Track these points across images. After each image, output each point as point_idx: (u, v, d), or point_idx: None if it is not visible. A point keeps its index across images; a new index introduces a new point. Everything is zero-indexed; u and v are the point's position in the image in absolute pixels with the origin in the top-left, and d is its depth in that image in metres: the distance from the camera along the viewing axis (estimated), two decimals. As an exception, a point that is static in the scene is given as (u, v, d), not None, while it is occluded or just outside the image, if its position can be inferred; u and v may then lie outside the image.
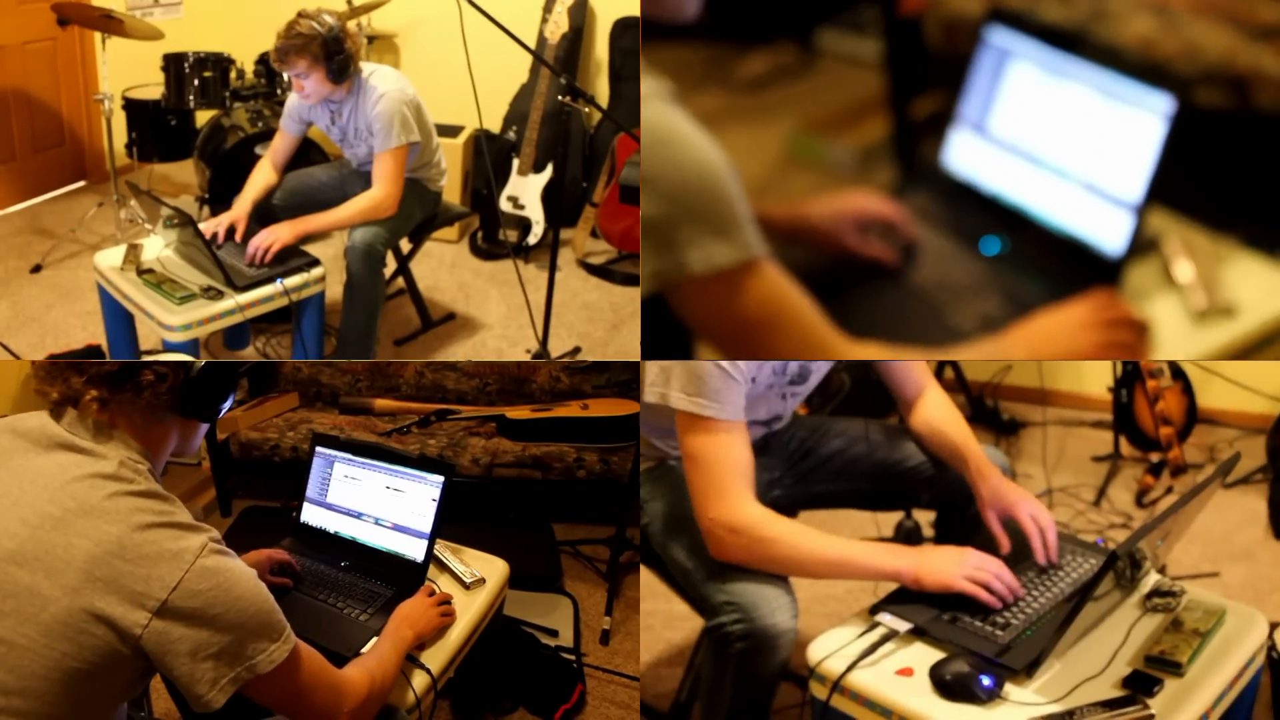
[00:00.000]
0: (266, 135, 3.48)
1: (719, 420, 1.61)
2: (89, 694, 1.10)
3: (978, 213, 1.89)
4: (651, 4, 1.39)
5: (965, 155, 1.95)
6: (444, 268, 3.86)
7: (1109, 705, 1.36)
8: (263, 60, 3.78)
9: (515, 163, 3.80)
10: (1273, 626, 1.66)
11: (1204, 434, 3.55)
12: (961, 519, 1.86)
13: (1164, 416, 3.17)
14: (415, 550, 1.77)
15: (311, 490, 1.92)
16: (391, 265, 3.07)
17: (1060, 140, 1.80)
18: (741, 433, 1.63)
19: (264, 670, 1.14)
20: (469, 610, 1.69)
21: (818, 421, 2.06)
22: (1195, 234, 1.81)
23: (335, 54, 2.60)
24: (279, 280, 2.57)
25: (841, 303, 1.53)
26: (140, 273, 2.56)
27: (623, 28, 3.96)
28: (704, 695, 1.73)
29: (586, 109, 3.90)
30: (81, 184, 4.39)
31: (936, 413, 1.90)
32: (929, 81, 2.18)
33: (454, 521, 1.79)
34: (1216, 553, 2.82)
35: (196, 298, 2.47)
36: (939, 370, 3.68)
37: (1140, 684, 1.42)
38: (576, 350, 3.27)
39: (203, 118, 3.84)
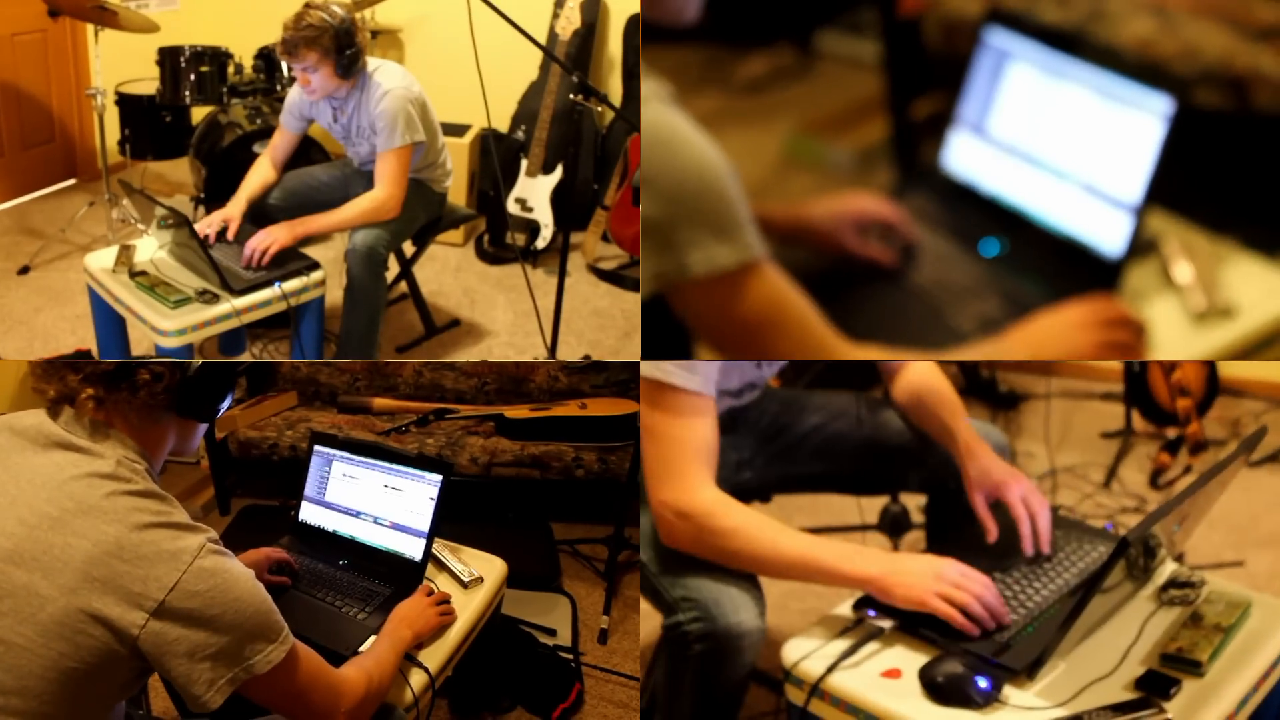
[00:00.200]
0: (265, 133, 3.44)
1: (685, 393, 1.49)
2: (86, 693, 1.10)
3: (977, 214, 1.89)
4: (652, 6, 1.39)
5: (964, 156, 1.95)
6: (448, 272, 3.80)
7: (1120, 709, 1.26)
8: (262, 55, 3.73)
9: (524, 163, 3.73)
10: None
11: (1226, 406, 3.25)
12: (955, 504, 1.73)
13: (1181, 387, 2.85)
14: (413, 549, 1.77)
15: (310, 489, 1.92)
16: (394, 269, 3.03)
17: (1059, 141, 1.80)
18: (709, 411, 1.52)
19: (261, 671, 1.14)
20: (467, 609, 1.69)
21: (793, 395, 1.93)
22: (1194, 235, 1.81)
23: (346, 48, 2.55)
24: (277, 284, 2.53)
25: (841, 304, 1.53)
26: (133, 275, 2.50)
27: (637, 24, 3.86)
28: (663, 703, 1.60)
29: (599, 108, 3.82)
30: (72, 182, 4.32)
31: (922, 382, 1.77)
32: (928, 83, 2.18)
33: (452, 520, 1.79)
34: (1241, 539, 2.62)
35: (191, 301, 2.42)
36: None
37: (1155, 685, 1.32)
38: (586, 359, 3.25)
39: (199, 114, 3.78)
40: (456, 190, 3.25)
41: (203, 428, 1.31)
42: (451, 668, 1.61)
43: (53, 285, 3.44)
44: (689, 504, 1.49)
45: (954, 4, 2.25)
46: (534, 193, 3.74)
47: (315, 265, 2.64)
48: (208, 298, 2.44)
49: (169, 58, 3.61)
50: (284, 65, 3.66)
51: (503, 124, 3.94)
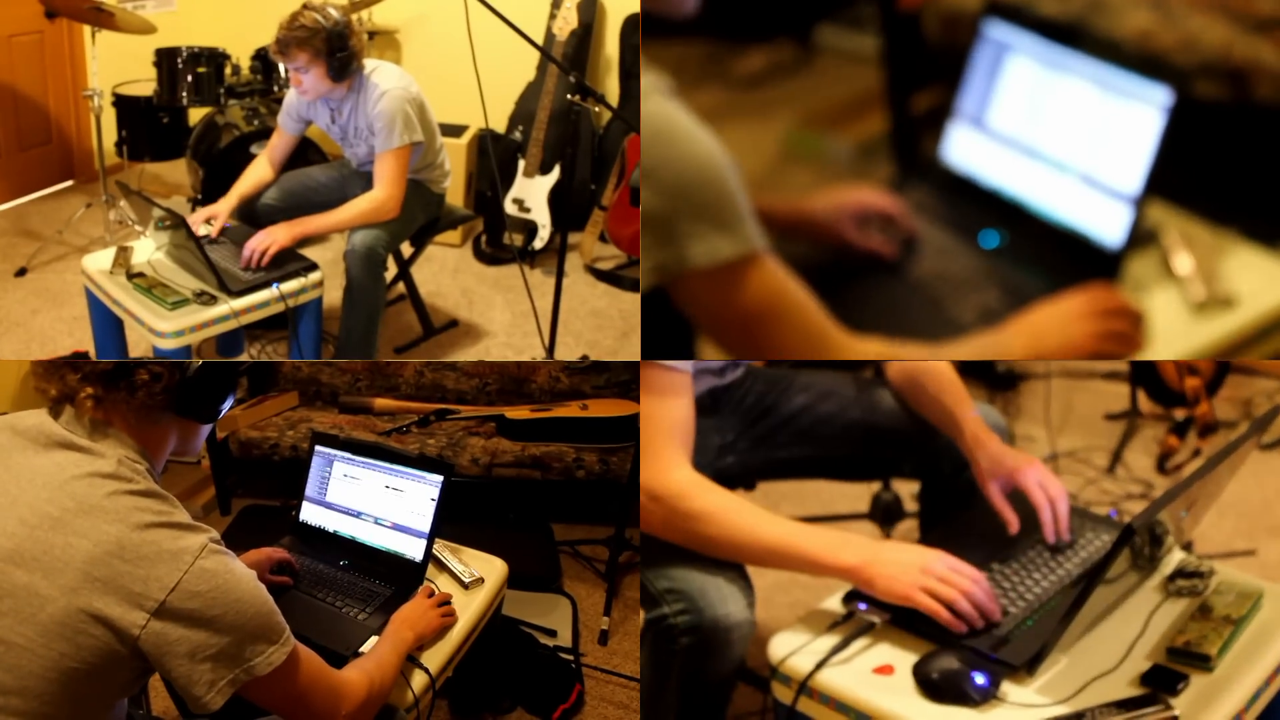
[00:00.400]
0: (262, 134, 3.44)
1: (659, 368, 1.43)
2: (87, 693, 1.09)
3: (976, 206, 1.89)
4: (651, -1, 1.39)
5: (964, 149, 1.94)
6: (446, 273, 3.79)
7: (1125, 706, 1.21)
8: (259, 56, 3.73)
9: (521, 164, 3.73)
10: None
11: (1238, 385, 3.10)
12: (950, 491, 1.68)
13: (1190, 365, 2.68)
14: (414, 550, 1.77)
15: (311, 489, 1.91)
16: (392, 270, 3.03)
17: (1058, 133, 1.80)
18: (687, 390, 1.47)
19: (262, 673, 1.14)
20: (468, 610, 1.69)
21: (779, 374, 1.84)
22: (1194, 226, 1.80)
23: (338, 50, 2.55)
24: (275, 285, 2.52)
25: (841, 296, 1.52)
26: (130, 276, 2.49)
27: (634, 24, 3.86)
28: (647, 700, 1.52)
29: (596, 108, 3.82)
30: (69, 184, 4.31)
31: (922, 364, 1.70)
32: (927, 76, 2.18)
33: (453, 521, 1.78)
34: (1252, 526, 2.53)
35: (189, 303, 2.41)
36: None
37: (1161, 681, 1.27)
38: (584, 359, 3.24)
39: (196, 115, 3.77)
40: (454, 191, 3.24)
41: (205, 429, 1.31)
42: (452, 668, 1.61)
43: (50, 287, 3.43)
44: (660, 485, 1.42)
45: (952, -2, 2.25)
46: (531, 193, 3.74)
47: (313, 266, 2.63)
48: (205, 299, 2.43)
49: (166, 59, 3.60)
50: (281, 66, 3.66)
51: (500, 124, 3.93)
